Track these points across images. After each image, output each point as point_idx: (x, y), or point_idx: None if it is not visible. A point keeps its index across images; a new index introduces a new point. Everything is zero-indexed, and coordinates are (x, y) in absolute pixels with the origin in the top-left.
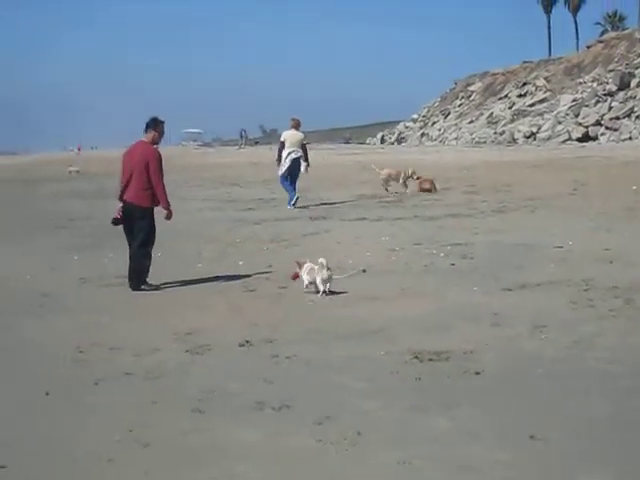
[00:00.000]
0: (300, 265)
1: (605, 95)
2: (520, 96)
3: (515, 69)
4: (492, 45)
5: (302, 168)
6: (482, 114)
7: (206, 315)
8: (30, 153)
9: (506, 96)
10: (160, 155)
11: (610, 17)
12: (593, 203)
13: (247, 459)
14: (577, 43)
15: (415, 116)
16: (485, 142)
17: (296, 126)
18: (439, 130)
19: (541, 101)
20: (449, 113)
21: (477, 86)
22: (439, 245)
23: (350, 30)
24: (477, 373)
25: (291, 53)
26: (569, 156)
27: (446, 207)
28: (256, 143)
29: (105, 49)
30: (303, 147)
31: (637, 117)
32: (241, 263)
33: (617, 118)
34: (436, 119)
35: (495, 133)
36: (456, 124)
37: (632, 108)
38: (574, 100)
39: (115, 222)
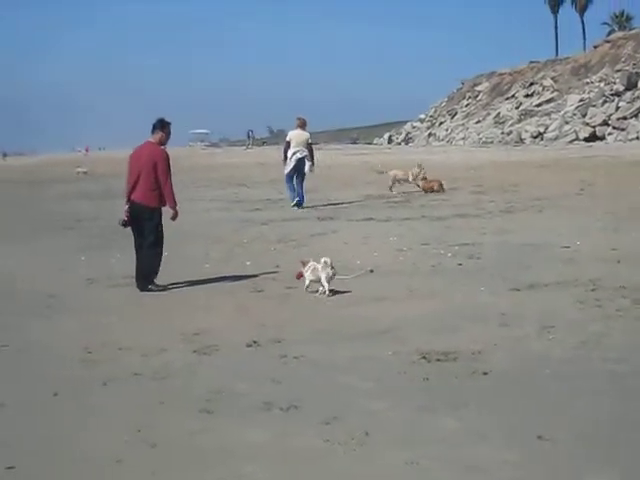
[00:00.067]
0: (304, 264)
1: (612, 95)
2: (527, 96)
3: (522, 69)
4: (499, 45)
5: (306, 168)
6: (489, 114)
7: (213, 315)
8: (37, 154)
9: (513, 96)
10: (168, 156)
11: (617, 17)
12: (600, 203)
13: (255, 459)
14: (584, 43)
15: (422, 116)
16: (492, 142)
17: (302, 126)
18: (446, 130)
19: (548, 101)
20: (456, 113)
21: (484, 86)
22: (447, 245)
23: (357, 30)
24: (485, 373)
25: (296, 53)
26: (576, 156)
27: (454, 207)
28: (263, 143)
29: (107, 49)
30: (309, 147)
31: None
32: (248, 263)
33: (624, 118)
34: (443, 119)
35: (502, 133)
36: (463, 124)
37: (639, 108)
38: (581, 100)
39: (124, 224)
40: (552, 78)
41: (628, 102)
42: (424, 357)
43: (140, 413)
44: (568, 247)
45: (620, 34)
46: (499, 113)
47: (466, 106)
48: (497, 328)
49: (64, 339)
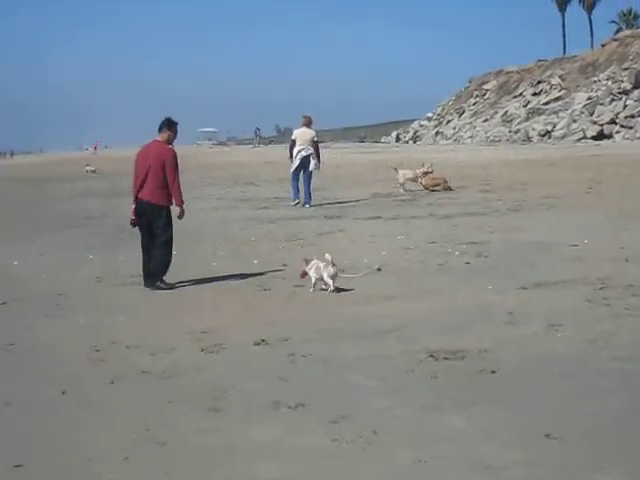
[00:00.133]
0: (307, 262)
1: (620, 93)
2: (535, 94)
3: (530, 67)
4: (507, 43)
5: (311, 165)
6: (497, 112)
7: (221, 314)
8: (44, 153)
9: (521, 94)
10: (176, 154)
11: (625, 15)
12: (608, 201)
13: (263, 458)
14: (592, 41)
15: (430, 114)
16: (500, 140)
17: (307, 124)
18: (454, 129)
19: (556, 99)
20: (464, 111)
21: (492, 84)
22: (454, 244)
23: (364, 30)
24: (493, 372)
25: (303, 54)
26: (584, 154)
27: (461, 205)
28: (271, 142)
29: (115, 48)
30: (314, 145)
31: None
32: (256, 262)
33: (632, 116)
34: (451, 117)
35: (510, 131)
36: (471, 122)
37: None
38: (589, 98)
39: (134, 224)
40: (560, 76)
41: (636, 100)
42: (432, 355)
43: (148, 412)
44: (576, 245)
45: (628, 32)
46: (507, 111)
47: (474, 104)
48: (505, 326)
49: (72, 337)
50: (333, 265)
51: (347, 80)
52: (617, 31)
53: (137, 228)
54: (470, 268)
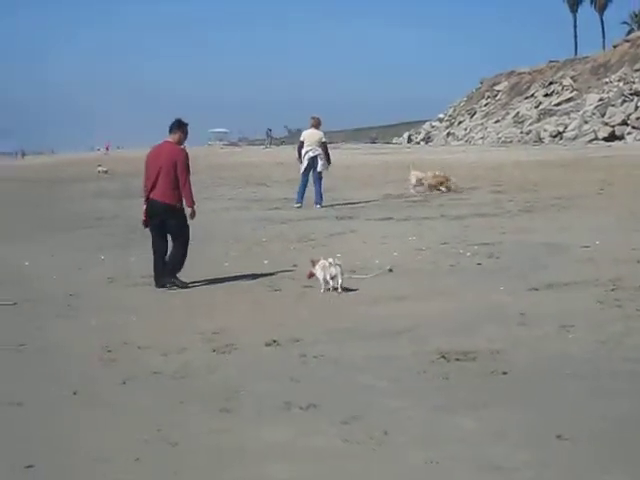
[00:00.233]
0: (314, 263)
1: (631, 94)
2: (546, 95)
3: (541, 68)
4: (518, 44)
5: (319, 166)
6: (508, 113)
7: (232, 314)
8: (55, 153)
9: (532, 95)
10: (187, 155)
11: (636, 16)
12: (620, 203)
13: (274, 459)
14: (603, 42)
15: (441, 115)
16: (511, 141)
17: (316, 125)
18: (465, 130)
19: (567, 100)
20: (475, 112)
21: (503, 85)
22: (466, 245)
23: (376, 31)
24: (504, 373)
25: (312, 55)
26: (596, 156)
27: (472, 206)
28: (282, 143)
29: (112, 50)
30: (323, 146)
31: None
32: (266, 262)
33: None
34: (462, 118)
35: (521, 132)
36: (482, 123)
37: None
38: (600, 99)
39: (145, 224)
40: (571, 77)
41: None
42: (443, 356)
43: (160, 412)
44: (588, 247)
45: (639, 33)
46: (518, 112)
47: (485, 105)
48: (516, 327)
49: (83, 338)
50: (337, 265)
51: (355, 81)
52: (629, 32)
53: (148, 229)
54: (481, 269)
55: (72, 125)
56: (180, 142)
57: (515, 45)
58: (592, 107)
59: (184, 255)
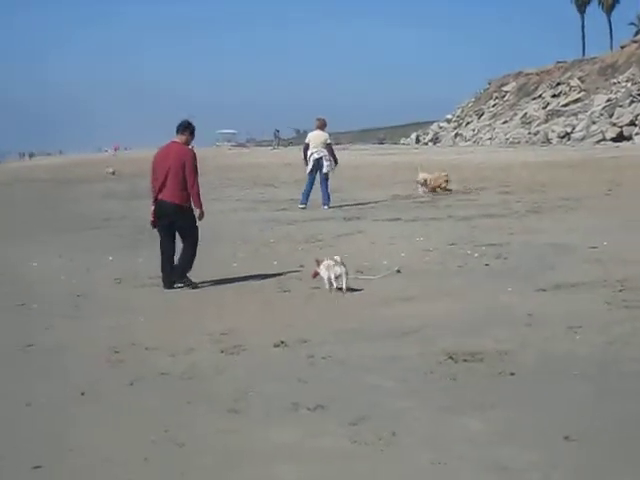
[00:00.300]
0: (319, 263)
1: (639, 95)
2: (554, 96)
3: (549, 69)
4: (526, 45)
5: (324, 167)
6: (516, 114)
7: (240, 315)
8: (63, 154)
9: (540, 96)
10: (195, 155)
11: None
12: (628, 203)
13: (282, 459)
14: (611, 43)
15: (449, 116)
16: (519, 142)
17: (321, 126)
18: (473, 130)
19: (575, 101)
20: (483, 113)
21: (511, 86)
22: (473, 245)
23: (385, 33)
24: (512, 374)
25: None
26: (603, 156)
27: (480, 207)
28: (290, 144)
29: (113, 50)
30: (328, 147)
31: None
32: (275, 263)
33: None
34: (470, 119)
35: (529, 133)
36: (490, 124)
37: None
38: (608, 100)
39: (154, 225)
40: (579, 78)
41: None
42: (451, 357)
43: (167, 413)
44: (595, 247)
45: None
46: (526, 113)
47: (493, 106)
48: (524, 328)
49: (91, 339)
50: (342, 265)
51: (355, 81)
52: (636, 33)
53: (156, 230)
54: (489, 270)
55: (77, 126)
56: (187, 143)
57: (522, 46)
58: (600, 108)
59: (193, 255)
